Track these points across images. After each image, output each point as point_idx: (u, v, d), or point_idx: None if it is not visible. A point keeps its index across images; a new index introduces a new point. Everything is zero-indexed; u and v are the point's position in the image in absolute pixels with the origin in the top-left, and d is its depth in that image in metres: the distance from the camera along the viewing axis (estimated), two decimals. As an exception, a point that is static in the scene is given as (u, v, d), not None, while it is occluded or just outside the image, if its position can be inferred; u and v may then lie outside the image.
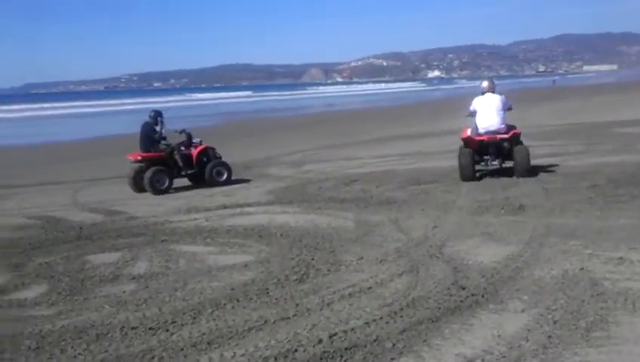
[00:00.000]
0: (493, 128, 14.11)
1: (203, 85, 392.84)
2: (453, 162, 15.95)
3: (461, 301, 6.56)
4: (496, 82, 15.33)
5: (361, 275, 7.64)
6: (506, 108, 14.45)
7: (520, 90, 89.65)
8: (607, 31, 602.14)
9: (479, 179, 14.13)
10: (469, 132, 14.27)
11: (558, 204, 11.15)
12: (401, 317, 6.21)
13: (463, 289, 6.92)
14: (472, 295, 6.72)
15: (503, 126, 14.20)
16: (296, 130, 36.09)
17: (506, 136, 14.04)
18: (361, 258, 8.40)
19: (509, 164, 14.30)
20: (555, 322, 5.89)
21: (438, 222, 10.26)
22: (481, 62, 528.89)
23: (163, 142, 15.90)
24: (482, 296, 6.68)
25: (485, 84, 14.85)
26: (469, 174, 13.84)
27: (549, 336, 5.58)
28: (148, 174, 15.05)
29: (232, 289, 7.29)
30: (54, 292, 7.47)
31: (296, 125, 40.54)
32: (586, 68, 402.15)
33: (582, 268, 7.39)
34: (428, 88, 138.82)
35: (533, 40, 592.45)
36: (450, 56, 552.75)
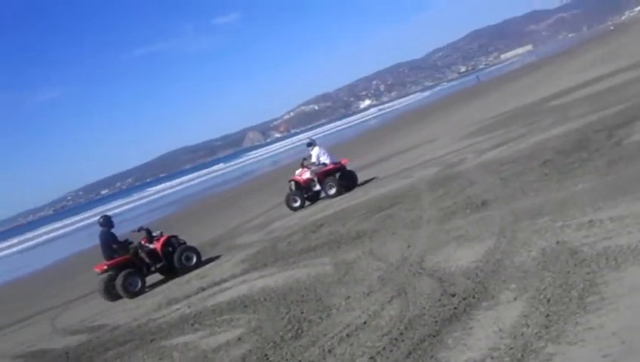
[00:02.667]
0: (334, 161, 21.15)
1: (148, 180, 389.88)
2: (407, 181, 16.43)
3: (455, 308, 6.62)
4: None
5: (352, 313, 7.64)
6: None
7: (449, 95, 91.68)
8: (512, 16, 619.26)
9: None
10: (307, 174, 20.93)
11: (517, 188, 11.40)
12: (403, 341, 6.23)
13: (453, 296, 6.98)
14: (464, 299, 6.79)
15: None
16: (251, 195, 36.05)
17: (344, 162, 21.12)
18: (348, 297, 8.40)
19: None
20: (548, 300, 5.99)
21: (410, 241, 10.36)
22: (405, 79, 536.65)
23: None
24: (473, 297, 6.76)
25: (311, 142, 21.74)
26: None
27: (547, 315, 5.67)
28: (119, 280, 14.82)
29: (233, 367, 7.20)
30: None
31: (250, 191, 40.56)
32: (503, 56, 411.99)
33: (558, 242, 7.55)
34: (361, 120, 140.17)
35: (446, 45, 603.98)
36: (375, 82, 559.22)
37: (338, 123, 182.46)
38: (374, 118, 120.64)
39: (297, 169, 21.52)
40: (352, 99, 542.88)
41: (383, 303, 7.61)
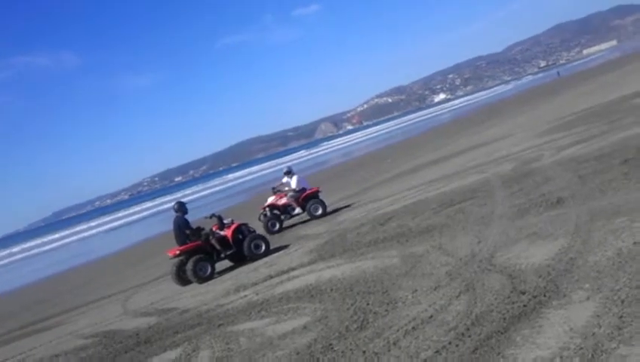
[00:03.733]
0: (312, 186, 22.51)
1: (221, 168, 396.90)
2: (481, 176, 16.13)
3: (524, 305, 6.48)
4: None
5: (419, 307, 7.57)
6: None
7: (529, 89, 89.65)
8: (596, 10, 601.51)
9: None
10: (284, 199, 21.75)
11: (595, 187, 11.05)
12: (470, 336, 6.14)
13: (523, 293, 6.84)
14: (534, 297, 6.64)
15: None
16: (320, 186, 36.16)
17: (318, 188, 22.35)
18: (415, 290, 8.34)
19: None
20: (622, 301, 5.80)
21: (481, 237, 10.19)
22: (482, 73, 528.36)
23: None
24: (544, 296, 6.60)
25: (289, 170, 22.92)
26: None
27: (621, 316, 5.49)
28: (189, 265, 15.13)
29: (298, 354, 7.25)
30: (127, 402, 7.46)
31: (320, 181, 40.62)
32: (585, 52, 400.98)
33: (635, 243, 7.29)
34: (435, 113, 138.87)
35: (527, 39, 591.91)
36: (451, 76, 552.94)
37: (411, 116, 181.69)
38: (449, 111, 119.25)
39: (269, 197, 22.23)
40: (426, 92, 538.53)
41: (451, 298, 7.52)
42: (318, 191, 21.99)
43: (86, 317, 15.44)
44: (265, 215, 21.51)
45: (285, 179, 22.66)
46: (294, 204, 21.69)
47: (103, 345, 11.28)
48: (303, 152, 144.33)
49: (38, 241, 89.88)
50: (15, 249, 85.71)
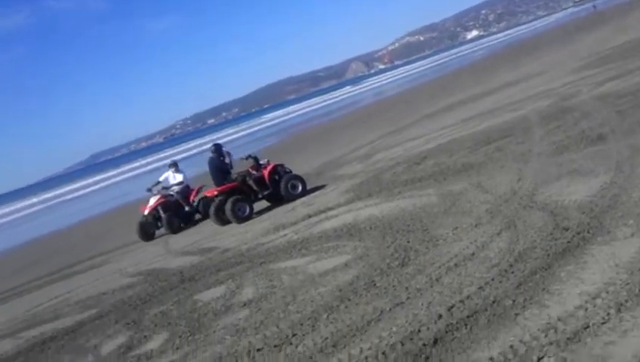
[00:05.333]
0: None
1: (254, 110, 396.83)
2: (517, 113, 15.96)
3: (568, 242, 6.48)
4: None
5: (460, 244, 7.62)
6: None
7: (563, 25, 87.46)
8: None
9: None
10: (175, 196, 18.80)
11: (635, 121, 10.90)
12: (513, 273, 6.18)
13: (567, 230, 6.83)
14: (578, 233, 6.64)
15: None
16: (355, 126, 36.10)
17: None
18: (456, 228, 8.37)
19: None
20: (670, 236, 5.77)
21: (521, 174, 10.14)
22: (516, 8, 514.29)
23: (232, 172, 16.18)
24: (588, 232, 6.59)
25: (174, 164, 20.46)
26: None
27: (668, 251, 5.47)
28: (228, 206, 15.30)
29: (341, 291, 7.36)
30: (176, 337, 7.66)
31: (354, 121, 40.52)
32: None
33: (679, 177, 7.20)
34: (468, 51, 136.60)
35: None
36: (484, 11, 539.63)
37: (444, 54, 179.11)
38: (482, 49, 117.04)
39: (151, 198, 18.80)
40: (458, 29, 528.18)
41: (492, 235, 7.54)
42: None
43: (129, 258, 15.79)
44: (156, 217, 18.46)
45: (165, 176, 19.79)
46: (183, 202, 18.77)
47: (148, 282, 11.57)
48: (348, 87, 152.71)
49: (83, 183, 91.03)
50: (59, 191, 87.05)
